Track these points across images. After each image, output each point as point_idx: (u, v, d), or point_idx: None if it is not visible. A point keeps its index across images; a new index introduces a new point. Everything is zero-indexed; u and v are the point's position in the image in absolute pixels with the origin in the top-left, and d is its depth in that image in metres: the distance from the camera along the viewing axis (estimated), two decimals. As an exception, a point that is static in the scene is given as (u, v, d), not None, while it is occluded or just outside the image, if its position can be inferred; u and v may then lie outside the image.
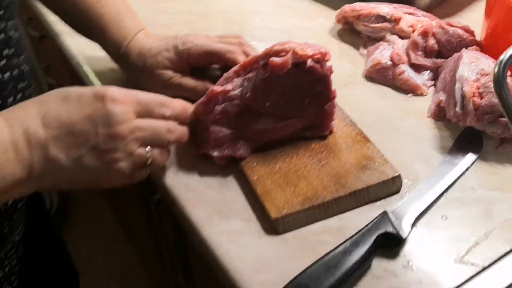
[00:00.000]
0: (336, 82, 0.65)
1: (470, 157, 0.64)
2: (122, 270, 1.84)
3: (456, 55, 0.70)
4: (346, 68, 0.80)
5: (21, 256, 0.80)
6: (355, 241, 0.53)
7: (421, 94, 0.74)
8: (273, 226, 0.58)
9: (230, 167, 0.65)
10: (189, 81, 0.74)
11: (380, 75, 0.76)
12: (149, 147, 0.59)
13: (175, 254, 1.01)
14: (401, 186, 0.61)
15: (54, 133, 0.54)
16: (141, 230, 1.30)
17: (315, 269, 0.51)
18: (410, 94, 0.74)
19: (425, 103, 0.73)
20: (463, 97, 0.63)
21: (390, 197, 0.60)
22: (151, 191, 0.91)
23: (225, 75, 0.65)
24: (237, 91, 0.63)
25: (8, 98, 0.62)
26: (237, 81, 0.64)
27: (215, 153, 0.64)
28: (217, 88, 0.63)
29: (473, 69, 0.64)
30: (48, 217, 1.01)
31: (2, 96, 0.61)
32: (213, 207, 0.61)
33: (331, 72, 0.63)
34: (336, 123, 0.67)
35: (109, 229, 1.93)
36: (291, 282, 0.50)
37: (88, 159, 0.55)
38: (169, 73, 0.74)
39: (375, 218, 0.56)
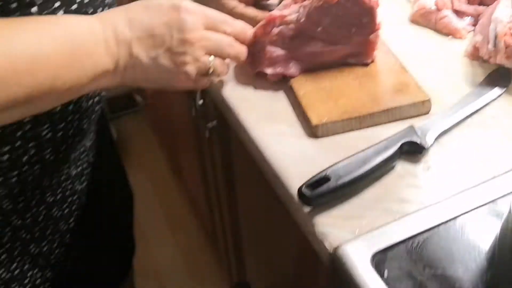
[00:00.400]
0: (383, 24, 0.73)
1: (497, 91, 0.71)
2: (169, 204, 1.98)
3: (496, 2, 0.77)
4: (393, 13, 0.88)
5: (91, 162, 0.92)
6: (384, 145, 0.62)
7: (460, 38, 0.80)
8: (313, 131, 0.67)
9: (281, 83, 0.74)
10: (251, 11, 0.83)
11: (424, 19, 0.83)
12: (212, 56, 0.69)
13: (221, 178, 1.12)
14: (430, 109, 0.69)
15: (137, 34, 0.65)
16: (190, 164, 1.41)
17: (347, 162, 0.60)
18: (450, 37, 0.81)
19: (463, 46, 0.80)
20: (496, 36, 0.70)
21: (419, 117, 0.68)
22: (207, 119, 1.02)
23: (284, 2, 0.73)
24: (293, 17, 0.72)
25: (98, 8, 0.73)
26: (294, 7, 0.72)
27: (269, 71, 0.73)
28: (276, 13, 0.72)
29: (508, 13, 0.71)
30: (111, 136, 1.12)
31: (93, 6, 0.72)
32: (263, 114, 0.71)
33: (377, 5, 0.71)
34: (379, 54, 0.75)
35: (160, 166, 2.07)
36: (325, 169, 0.59)
37: (162, 59, 0.66)
38: (234, 2, 0.83)
39: (403, 130, 0.64)
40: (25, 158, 0.71)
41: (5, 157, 0.69)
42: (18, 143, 0.68)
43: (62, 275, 0.94)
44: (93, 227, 0.98)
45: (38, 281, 0.89)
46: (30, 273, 0.88)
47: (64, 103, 0.69)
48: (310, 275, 0.71)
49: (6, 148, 0.68)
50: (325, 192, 0.57)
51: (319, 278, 0.67)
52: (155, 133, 2.09)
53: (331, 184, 0.57)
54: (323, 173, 0.58)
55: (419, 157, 0.63)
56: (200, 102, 1.04)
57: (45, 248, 0.88)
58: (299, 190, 0.58)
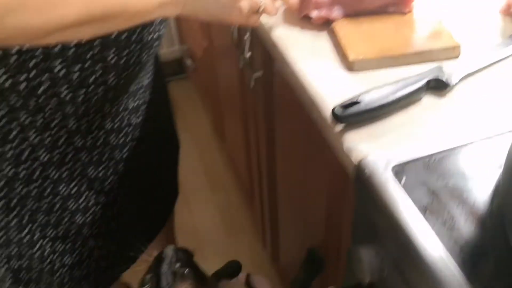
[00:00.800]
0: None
1: (524, 43, 0.76)
2: (210, 166, 2.08)
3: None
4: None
5: (146, 100, 1.02)
6: (413, 79, 0.69)
7: (498, -3, 0.86)
8: (350, 66, 0.74)
9: (324, 26, 0.82)
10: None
11: (464, -22, 0.88)
12: None
13: (262, 130, 1.19)
14: (459, 54, 0.75)
15: None
16: (233, 123, 1.49)
17: (378, 90, 0.67)
18: (487, -5, 0.86)
19: (500, 4, 0.84)
20: (527, -8, 0.75)
21: (449, 61, 0.74)
22: (253, 70, 1.10)
23: (332, -49, 0.80)
24: (339, -35, 0.79)
25: None
26: (341, -44, 0.79)
27: (314, 14, 0.81)
28: (324, -40, 0.79)
29: (543, -29, 0.76)
30: (165, 85, 1.21)
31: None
32: (306, 52, 0.78)
33: (419, -43, 0.77)
34: (416, 5, 0.81)
35: (203, 129, 2.16)
36: (357, 95, 0.66)
37: (219, -7, 0.74)
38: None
39: (432, 68, 0.70)
40: (92, 78, 0.80)
41: (76, 75, 0.78)
42: (88, 63, 0.78)
43: (114, 204, 1.04)
44: (143, 164, 1.07)
45: (91, 203, 1.00)
46: (86, 194, 0.98)
47: (129, 29, 0.78)
48: (339, 195, 0.78)
49: (77, 67, 0.77)
50: (355, 113, 0.64)
51: (347, 193, 0.74)
52: (201, 97, 2.18)
53: (361, 106, 0.65)
54: (355, 98, 0.66)
55: (444, 93, 0.69)
56: (248, 54, 1.12)
57: (101, 173, 0.98)
58: (333, 110, 0.65)
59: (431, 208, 0.56)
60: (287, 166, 1.14)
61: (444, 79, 0.69)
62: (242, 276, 1.68)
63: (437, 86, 0.69)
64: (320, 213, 0.94)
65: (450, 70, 0.70)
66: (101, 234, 1.06)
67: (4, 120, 0.79)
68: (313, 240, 1.07)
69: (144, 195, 1.12)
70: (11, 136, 0.81)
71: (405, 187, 0.58)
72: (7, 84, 0.74)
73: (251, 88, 1.14)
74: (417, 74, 0.69)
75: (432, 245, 0.53)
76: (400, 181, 0.58)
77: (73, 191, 0.96)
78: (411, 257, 0.54)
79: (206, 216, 1.93)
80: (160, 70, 1.11)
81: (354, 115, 0.64)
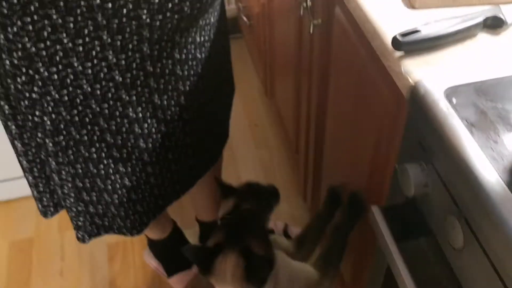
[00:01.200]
0: None
1: None
2: (257, 124, 2.15)
3: None
4: None
5: (211, 39, 1.08)
6: (471, 15, 0.73)
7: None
8: (412, 3, 0.80)
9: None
10: None
11: None
12: None
13: (316, 71, 1.25)
14: (518, -1, 0.79)
15: None
16: (285, 81, 1.55)
17: (438, 23, 0.72)
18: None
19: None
20: None
21: (507, 4, 0.79)
22: (313, 17, 1.15)
23: None
24: None
25: None
26: None
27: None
28: None
29: None
30: (228, 32, 1.27)
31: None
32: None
33: None
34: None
35: (253, 90, 2.23)
36: (419, 26, 0.71)
37: None
38: None
39: (490, 7, 0.75)
40: (170, 5, 0.88)
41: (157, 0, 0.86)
42: (166, -11, 0.85)
43: (172, 135, 1.11)
44: (201, 100, 1.14)
45: (153, 131, 1.08)
46: (149, 120, 1.06)
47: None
48: (389, 124, 0.84)
49: (157, -7, 0.85)
50: (414, 40, 0.70)
51: (398, 120, 0.79)
52: (252, 56, 2.24)
53: (420, 35, 0.70)
54: (416, 28, 0.71)
55: (500, 31, 0.74)
56: (310, 3, 1.17)
57: (165, 102, 1.05)
58: (394, 37, 0.71)
59: (478, 124, 0.61)
60: (337, 113, 1.20)
61: (500, 17, 0.73)
62: (280, 225, 1.76)
63: (494, 24, 0.74)
64: (367, 150, 0.99)
65: (508, 11, 0.75)
66: (158, 163, 1.14)
67: (88, 38, 0.87)
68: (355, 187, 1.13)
69: (198, 131, 1.19)
70: (92, 54, 0.90)
71: (455, 106, 0.63)
72: (98, 1, 0.82)
73: (309, 34, 1.20)
74: (475, 12, 0.74)
75: (475, 154, 0.58)
76: (450, 101, 0.64)
77: (139, 116, 1.04)
78: (455, 166, 0.59)
79: (249, 169, 2.01)
80: (224, 14, 1.18)
81: (413, 43, 0.70)
